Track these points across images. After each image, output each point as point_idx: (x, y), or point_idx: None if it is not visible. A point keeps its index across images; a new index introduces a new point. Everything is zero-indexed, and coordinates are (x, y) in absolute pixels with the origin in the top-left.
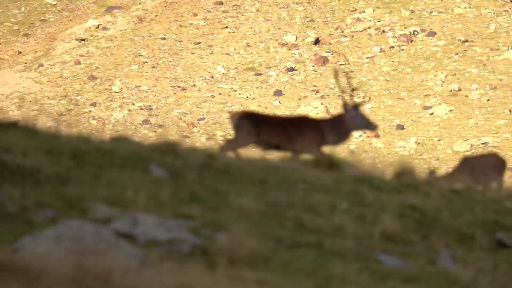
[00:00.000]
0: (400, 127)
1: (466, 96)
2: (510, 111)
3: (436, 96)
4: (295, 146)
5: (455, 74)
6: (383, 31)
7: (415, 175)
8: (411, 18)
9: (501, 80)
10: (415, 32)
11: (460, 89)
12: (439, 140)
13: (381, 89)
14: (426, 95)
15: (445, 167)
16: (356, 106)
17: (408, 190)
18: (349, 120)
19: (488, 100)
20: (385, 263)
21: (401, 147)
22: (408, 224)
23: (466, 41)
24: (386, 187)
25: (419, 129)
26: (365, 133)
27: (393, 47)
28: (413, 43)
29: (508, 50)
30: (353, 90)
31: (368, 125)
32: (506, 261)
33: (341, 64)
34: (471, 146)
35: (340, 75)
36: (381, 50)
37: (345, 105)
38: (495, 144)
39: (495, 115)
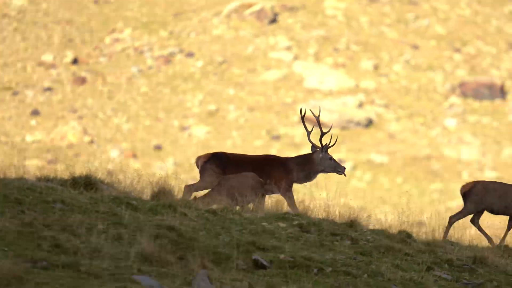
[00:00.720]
0: (158, 147)
1: (224, 117)
2: (267, 132)
3: (194, 117)
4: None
5: (213, 95)
6: (142, 52)
7: (173, 195)
8: (169, 39)
9: (258, 101)
10: (174, 53)
11: (218, 110)
12: None
13: (139, 110)
14: (184, 116)
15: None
16: (325, 148)
17: (165, 211)
18: (318, 161)
19: (245, 121)
20: (142, 283)
21: (158, 167)
22: (165, 245)
23: (224, 62)
24: (144, 207)
25: (177, 149)
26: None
27: (151, 67)
28: (172, 64)
29: (265, 71)
30: (323, 134)
31: (337, 168)
32: (262, 281)
33: (99, 84)
34: None
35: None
36: (140, 71)
37: (314, 146)
38: None
39: (253, 136)
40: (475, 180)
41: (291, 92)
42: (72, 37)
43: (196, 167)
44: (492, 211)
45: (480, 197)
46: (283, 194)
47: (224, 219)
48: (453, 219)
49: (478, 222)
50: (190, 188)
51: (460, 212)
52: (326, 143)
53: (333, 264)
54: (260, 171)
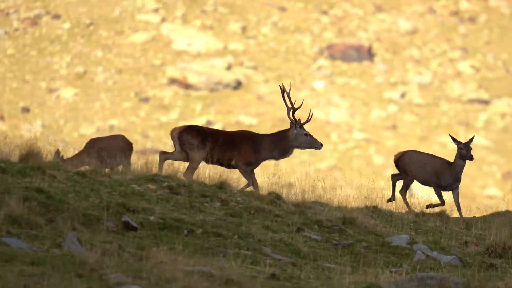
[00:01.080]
0: (26, 110)
1: (92, 79)
2: (136, 94)
3: (61, 79)
4: (231, 161)
5: (80, 57)
6: (8, 14)
7: (41, 158)
8: (36, 1)
9: (126, 63)
10: (40, 15)
11: (86, 72)
12: (65, 122)
13: (6, 72)
14: (52, 78)
15: (71, 150)
16: (301, 124)
17: (34, 173)
18: (293, 137)
19: (114, 83)
20: (11, 246)
21: (26, 129)
22: (34, 207)
23: (91, 24)
24: (12, 169)
25: (45, 111)
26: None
27: (18, 29)
28: (38, 26)
29: (133, 33)
30: (295, 109)
31: (313, 144)
32: (132, 242)
33: None
34: (98, 129)
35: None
36: (6, 33)
37: (292, 122)
38: (122, 126)
39: (121, 98)
40: (407, 150)
41: (159, 54)
42: None
43: (171, 138)
44: (419, 181)
45: (407, 167)
46: (242, 169)
47: (93, 181)
48: (401, 191)
49: (405, 194)
50: (166, 156)
51: (404, 184)
52: (299, 119)
53: (204, 225)
54: (233, 146)
